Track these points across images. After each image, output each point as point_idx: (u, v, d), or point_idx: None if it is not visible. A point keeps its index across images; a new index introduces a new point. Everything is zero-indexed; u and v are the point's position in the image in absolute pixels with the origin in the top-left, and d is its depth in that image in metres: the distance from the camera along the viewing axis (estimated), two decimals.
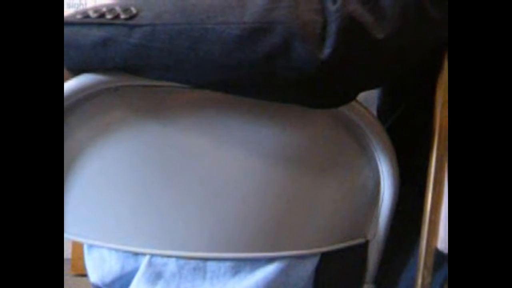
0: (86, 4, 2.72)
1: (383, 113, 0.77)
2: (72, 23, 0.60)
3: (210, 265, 0.68)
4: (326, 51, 0.55)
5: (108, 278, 0.72)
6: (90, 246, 0.73)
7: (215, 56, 0.56)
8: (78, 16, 0.60)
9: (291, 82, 0.57)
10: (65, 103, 0.63)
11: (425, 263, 0.65)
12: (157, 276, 0.69)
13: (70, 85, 0.62)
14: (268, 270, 0.68)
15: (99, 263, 0.72)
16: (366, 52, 0.57)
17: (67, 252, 2.59)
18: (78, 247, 2.45)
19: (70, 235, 0.68)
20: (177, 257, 0.68)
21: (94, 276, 0.74)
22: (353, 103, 0.63)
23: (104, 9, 0.59)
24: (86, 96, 0.63)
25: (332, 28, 0.55)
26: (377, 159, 0.67)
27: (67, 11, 0.62)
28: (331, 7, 0.56)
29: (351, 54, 0.56)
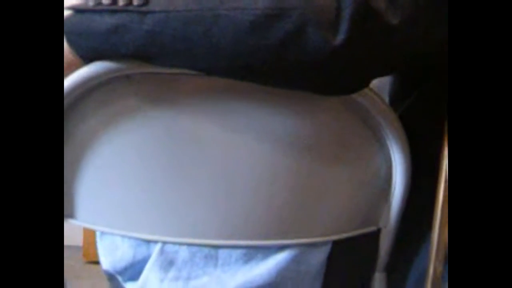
0: None
1: (396, 100, 0.77)
2: (85, 10, 0.60)
3: (222, 252, 0.68)
4: (340, 37, 0.54)
5: (120, 265, 0.72)
6: (103, 233, 0.73)
7: (228, 42, 0.56)
8: (91, 3, 0.60)
9: (304, 69, 0.57)
10: (77, 91, 0.63)
11: (436, 254, 0.65)
12: (169, 263, 0.69)
13: (82, 73, 0.62)
14: (280, 258, 0.68)
15: (111, 249, 0.73)
16: (380, 38, 0.56)
17: (78, 240, 2.60)
18: (89, 235, 2.47)
19: (82, 222, 0.69)
20: (189, 245, 0.68)
21: (106, 262, 0.74)
22: (366, 90, 0.63)
23: None
24: (98, 84, 0.62)
25: (346, 13, 0.54)
26: (389, 146, 0.67)
27: None
28: None
29: (365, 40, 0.56)
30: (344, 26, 0.54)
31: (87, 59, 0.62)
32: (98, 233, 0.74)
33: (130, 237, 0.70)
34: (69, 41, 0.61)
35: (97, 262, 0.80)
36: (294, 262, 0.68)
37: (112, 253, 0.73)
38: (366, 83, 0.61)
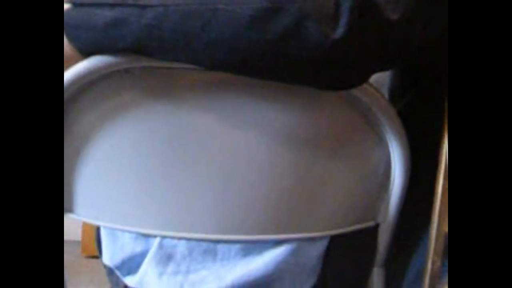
0: None
1: (395, 95, 0.77)
2: (83, 4, 0.60)
3: (221, 247, 0.68)
4: (339, 31, 0.54)
5: (118, 257, 0.72)
6: None
7: (227, 36, 0.56)
8: None
9: (303, 63, 0.56)
10: (76, 85, 0.62)
11: (435, 248, 0.65)
12: (168, 258, 0.69)
13: (81, 67, 0.62)
14: (278, 252, 0.68)
15: (111, 240, 0.73)
16: (380, 32, 0.56)
17: (77, 234, 2.59)
18: (88, 229, 2.46)
19: (80, 216, 0.69)
20: (188, 239, 0.68)
21: (106, 254, 0.74)
22: (365, 85, 0.62)
23: None
24: (97, 78, 0.62)
25: (345, 7, 0.54)
26: (388, 141, 0.67)
27: None
28: None
29: (364, 34, 0.55)
30: (343, 20, 0.54)
31: (85, 53, 0.61)
32: None
33: (129, 232, 0.70)
34: (67, 35, 0.61)
35: (96, 257, 0.80)
36: (291, 256, 0.68)
37: (112, 243, 0.73)
38: (365, 78, 0.61)
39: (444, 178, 0.65)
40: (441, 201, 0.65)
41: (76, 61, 0.62)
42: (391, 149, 0.67)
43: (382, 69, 0.65)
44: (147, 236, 0.70)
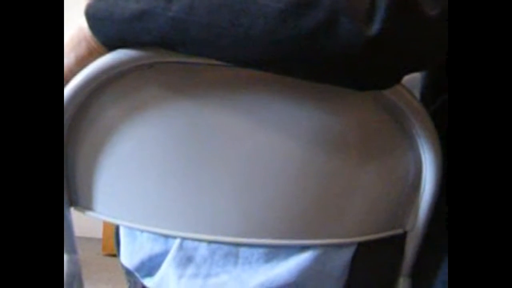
0: None
1: (427, 98, 0.74)
2: None
3: (243, 251, 0.66)
4: (375, 27, 0.52)
5: (137, 257, 0.71)
6: None
7: (257, 31, 0.54)
8: None
9: (335, 61, 0.54)
10: (99, 79, 0.61)
11: None
12: (188, 260, 0.68)
13: (105, 60, 0.61)
14: (302, 258, 0.66)
15: (130, 239, 0.71)
16: (417, 29, 0.54)
17: (98, 232, 2.61)
18: (109, 228, 2.47)
19: (100, 214, 0.68)
20: (209, 242, 0.67)
21: (124, 255, 0.73)
22: (397, 86, 0.60)
23: None
24: (120, 72, 0.61)
25: (381, 1, 0.52)
26: (419, 146, 0.65)
27: None
28: None
29: (401, 31, 0.53)
30: (379, 16, 0.52)
31: (110, 46, 0.60)
32: None
33: (148, 232, 0.68)
34: (91, 27, 0.60)
35: (116, 255, 0.79)
36: (317, 262, 0.66)
37: (130, 243, 0.72)
38: (399, 79, 0.59)
39: None
40: None
41: (100, 54, 0.61)
42: (422, 153, 0.65)
43: (417, 70, 0.63)
44: (166, 236, 0.68)
